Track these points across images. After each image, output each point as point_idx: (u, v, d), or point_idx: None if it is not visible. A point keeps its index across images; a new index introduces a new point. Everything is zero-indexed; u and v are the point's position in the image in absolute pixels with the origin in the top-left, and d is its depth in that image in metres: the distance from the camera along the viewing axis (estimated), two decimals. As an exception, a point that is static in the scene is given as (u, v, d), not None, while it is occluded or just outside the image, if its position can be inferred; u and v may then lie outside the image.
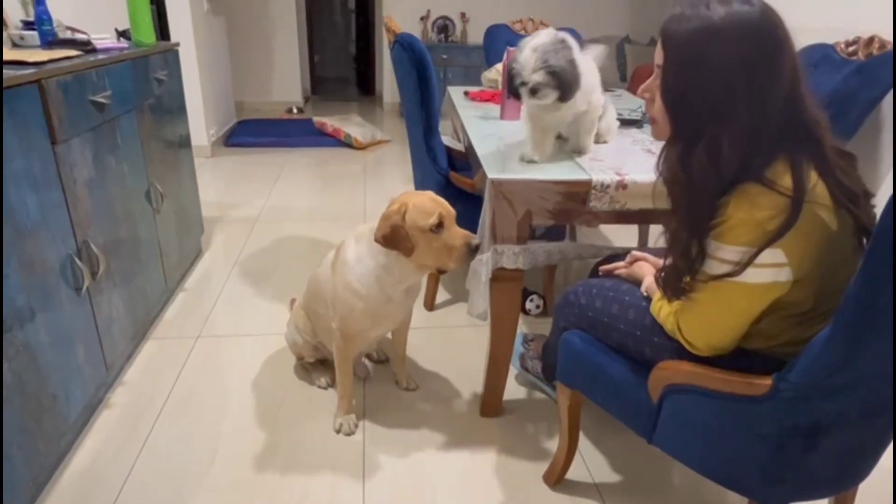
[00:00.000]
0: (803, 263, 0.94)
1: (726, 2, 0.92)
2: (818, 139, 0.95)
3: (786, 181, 0.92)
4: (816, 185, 0.94)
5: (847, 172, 0.98)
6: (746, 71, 0.92)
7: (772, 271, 0.94)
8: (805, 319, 1.00)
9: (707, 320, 1.04)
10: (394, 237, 1.39)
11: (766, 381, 0.95)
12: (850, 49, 2.03)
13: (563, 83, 1.48)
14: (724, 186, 0.95)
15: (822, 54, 2.08)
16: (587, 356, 1.29)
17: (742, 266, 0.94)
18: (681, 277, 1.05)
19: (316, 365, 1.89)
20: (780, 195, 0.91)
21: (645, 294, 1.23)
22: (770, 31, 0.92)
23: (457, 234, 1.41)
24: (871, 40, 1.95)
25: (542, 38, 1.48)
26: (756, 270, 0.94)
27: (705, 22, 0.93)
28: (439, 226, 1.39)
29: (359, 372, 1.90)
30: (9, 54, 1.55)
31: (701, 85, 0.95)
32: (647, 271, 1.27)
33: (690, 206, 1.00)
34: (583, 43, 1.64)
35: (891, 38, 1.88)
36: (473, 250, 1.41)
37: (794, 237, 0.91)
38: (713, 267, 0.98)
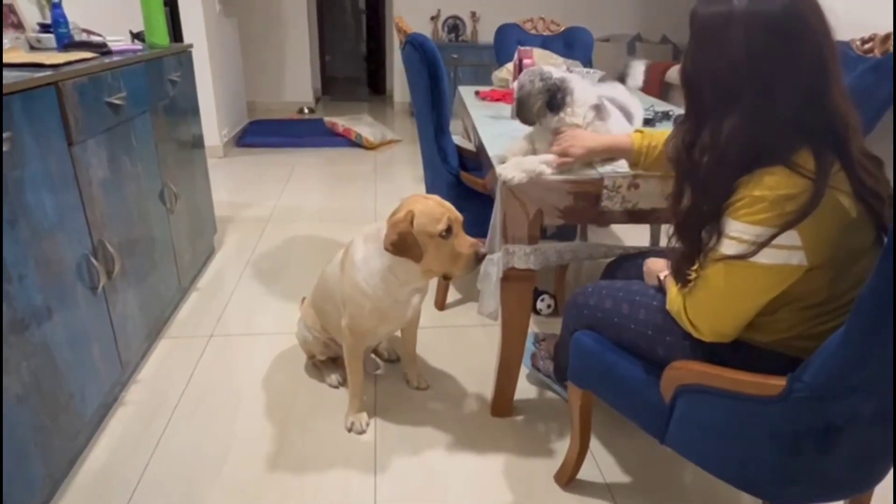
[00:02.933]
0: (819, 249, 0.93)
1: None
2: (843, 136, 0.94)
3: (810, 165, 0.92)
4: (839, 172, 0.93)
5: (872, 173, 0.97)
6: (754, 62, 0.92)
7: (784, 253, 0.93)
8: (819, 313, 1.00)
9: (713, 302, 1.03)
10: (402, 244, 1.37)
11: (780, 382, 0.94)
12: (866, 46, 2.00)
13: (519, 103, 1.53)
14: (736, 170, 0.95)
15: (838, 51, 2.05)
16: (598, 356, 1.28)
17: (758, 246, 0.93)
18: (688, 263, 1.05)
19: (327, 363, 1.90)
20: (802, 177, 0.91)
21: (660, 284, 1.22)
22: (789, 25, 0.91)
23: (464, 242, 1.42)
24: (887, 37, 1.92)
25: (545, 68, 1.52)
26: (768, 250, 0.93)
27: (726, 8, 0.94)
28: (448, 231, 1.39)
29: (368, 367, 1.91)
30: (26, 57, 1.58)
31: (710, 69, 0.98)
32: (662, 266, 1.26)
33: (696, 189, 1.02)
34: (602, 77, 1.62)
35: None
36: (480, 259, 1.43)
37: (812, 220, 0.90)
38: (727, 246, 0.97)
